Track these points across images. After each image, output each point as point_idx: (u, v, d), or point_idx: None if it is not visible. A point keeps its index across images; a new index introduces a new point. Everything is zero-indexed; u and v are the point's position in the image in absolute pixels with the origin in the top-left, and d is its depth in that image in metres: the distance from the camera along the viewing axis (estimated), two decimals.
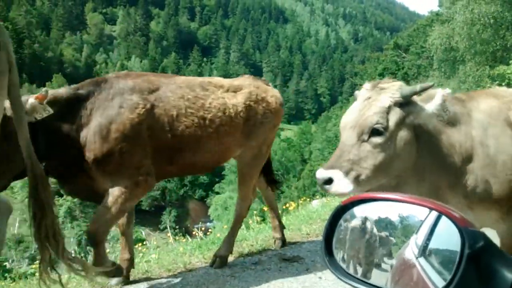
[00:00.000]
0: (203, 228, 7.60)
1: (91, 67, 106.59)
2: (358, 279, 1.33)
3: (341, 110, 54.64)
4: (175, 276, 4.90)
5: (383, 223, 1.36)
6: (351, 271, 1.36)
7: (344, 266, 1.37)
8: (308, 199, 9.67)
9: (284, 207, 9.03)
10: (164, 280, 4.78)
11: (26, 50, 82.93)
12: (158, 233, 38.31)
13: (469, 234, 1.10)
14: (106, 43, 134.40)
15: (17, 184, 46.28)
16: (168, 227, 28.44)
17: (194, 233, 7.92)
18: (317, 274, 5.01)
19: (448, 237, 1.22)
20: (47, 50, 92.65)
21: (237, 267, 5.20)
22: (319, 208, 8.35)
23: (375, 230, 1.37)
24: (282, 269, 5.17)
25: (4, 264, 7.29)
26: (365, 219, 1.39)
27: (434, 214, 1.27)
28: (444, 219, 1.21)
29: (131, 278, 4.78)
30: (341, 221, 1.39)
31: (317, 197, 10.65)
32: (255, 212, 8.67)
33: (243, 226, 7.17)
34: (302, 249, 5.83)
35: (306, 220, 7.19)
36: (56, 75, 79.92)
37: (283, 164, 52.30)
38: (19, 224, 38.18)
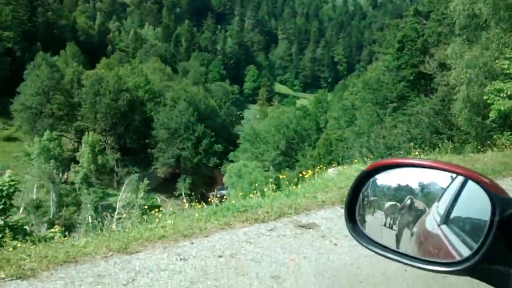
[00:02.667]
0: (218, 195, 7.63)
1: (105, 35, 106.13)
2: (381, 245, 1.29)
3: (358, 78, 53.84)
4: (191, 241, 4.94)
5: (405, 190, 1.31)
6: (374, 237, 1.32)
7: (367, 233, 1.33)
8: (324, 168, 9.62)
9: (299, 175, 9.00)
10: (180, 245, 4.82)
11: (39, 18, 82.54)
12: (173, 200, 38.90)
13: (500, 201, 1.04)
14: (119, 11, 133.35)
15: (33, 151, 47.19)
16: (183, 194, 28.83)
17: (209, 200, 7.96)
18: (333, 241, 5.01)
19: (475, 204, 1.17)
20: (60, 18, 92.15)
21: (253, 233, 5.22)
22: (335, 177, 8.31)
23: (397, 197, 1.33)
24: (298, 236, 5.17)
25: (25, 227, 7.44)
26: (387, 186, 1.34)
27: (460, 179, 1.22)
28: (471, 184, 1.16)
29: (147, 244, 4.83)
30: (364, 187, 1.34)
31: (333, 165, 10.59)
32: (270, 180, 8.65)
33: (258, 193, 7.19)
34: (318, 217, 5.82)
35: (321, 188, 7.16)
36: (69, 43, 79.80)
37: (298, 133, 52.14)
38: (36, 189, 39.03)
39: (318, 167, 9.45)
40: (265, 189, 7.38)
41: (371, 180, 1.33)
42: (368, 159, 10.19)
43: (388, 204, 1.34)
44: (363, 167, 7.37)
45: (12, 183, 7.88)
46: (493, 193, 1.07)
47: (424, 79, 33.90)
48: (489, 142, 14.71)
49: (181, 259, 4.49)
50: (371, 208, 1.36)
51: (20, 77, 60.81)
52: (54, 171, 46.14)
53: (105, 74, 61.16)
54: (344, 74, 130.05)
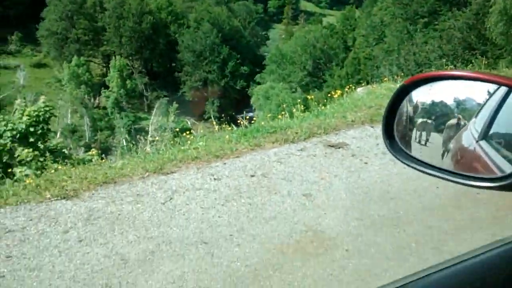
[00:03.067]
0: (247, 117, 7.67)
1: None
2: (420, 161, 1.28)
3: None
4: (223, 162, 5.07)
5: (442, 105, 1.27)
6: (412, 153, 1.31)
7: (405, 148, 1.32)
8: (353, 87, 9.45)
9: (328, 95, 8.90)
10: (213, 165, 4.96)
11: None
12: (202, 122, 39.42)
13: None
14: None
15: (64, 76, 47.85)
16: (212, 117, 29.11)
17: (238, 121, 8.03)
18: (363, 160, 5.05)
19: None
20: None
21: (283, 153, 5.30)
22: (364, 96, 8.18)
23: (434, 112, 1.29)
24: (328, 155, 5.23)
25: (63, 151, 7.75)
26: (425, 101, 1.30)
27: (502, 91, 1.17)
28: None
29: (181, 165, 4.99)
30: (403, 102, 1.30)
31: (362, 84, 10.39)
32: (299, 100, 8.60)
33: (286, 114, 7.20)
34: (348, 136, 5.83)
35: (351, 107, 7.10)
36: None
37: (325, 52, 50.76)
38: (70, 115, 40.13)
39: (347, 87, 9.29)
40: (294, 110, 7.37)
41: (409, 95, 1.30)
42: (399, 77, 9.93)
43: (425, 119, 1.32)
44: (393, 86, 7.21)
45: (47, 108, 8.09)
46: None
47: None
48: None
49: (214, 178, 4.64)
50: (408, 123, 1.34)
51: (43, 3, 60.15)
52: (86, 96, 47.02)
53: None
54: None
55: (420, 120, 1.33)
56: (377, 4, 51.89)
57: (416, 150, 1.33)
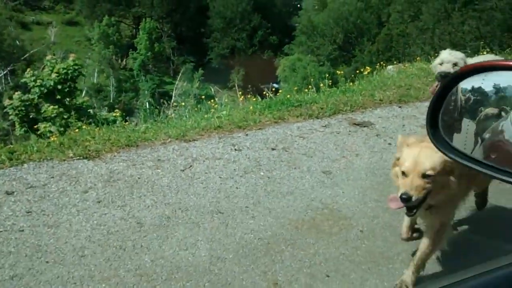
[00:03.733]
0: (273, 89, 7.58)
1: None
2: (462, 153, 1.23)
3: None
4: (245, 133, 5.04)
5: (492, 95, 1.20)
6: (456, 144, 1.25)
7: (448, 139, 1.26)
8: (383, 65, 9.22)
9: (357, 71, 8.70)
10: (235, 136, 4.94)
11: None
12: (226, 91, 39.33)
13: None
14: None
15: (94, 36, 48.11)
16: (236, 86, 28.92)
17: (264, 93, 7.95)
18: (387, 140, 4.95)
19: None
20: None
21: (306, 128, 5.24)
22: (395, 75, 7.98)
23: (480, 103, 1.23)
24: (351, 133, 5.15)
25: (89, 110, 7.84)
26: (474, 91, 1.23)
27: None
28: None
29: (203, 133, 4.98)
30: (452, 92, 1.24)
31: (394, 62, 10.12)
32: (326, 75, 8.45)
33: (313, 88, 7.08)
34: (374, 115, 5.71)
35: (380, 86, 6.94)
36: None
37: (358, 26, 49.53)
38: (97, 74, 40.54)
39: (377, 64, 9.06)
40: (321, 85, 7.25)
41: (460, 84, 1.23)
42: (432, 57, 9.61)
43: (470, 110, 1.26)
44: (425, 66, 6.95)
45: (76, 67, 8.15)
46: None
47: None
48: None
49: (235, 149, 4.63)
50: (454, 113, 1.29)
51: None
52: (113, 56, 47.32)
53: None
54: None
55: (466, 111, 1.28)
56: None
57: (460, 142, 1.29)
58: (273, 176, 4.12)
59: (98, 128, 5.24)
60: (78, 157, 4.27)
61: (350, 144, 4.86)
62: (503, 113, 1.21)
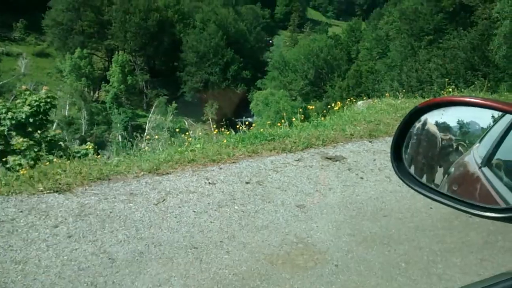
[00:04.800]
0: (246, 123, 7.67)
1: None
2: (425, 185, 1.27)
3: (395, 7, 51.25)
4: (219, 166, 5.05)
5: (452, 129, 1.27)
6: (418, 177, 1.29)
7: (413, 172, 1.31)
8: (354, 100, 9.47)
9: (328, 106, 8.90)
10: (208, 169, 4.94)
11: None
12: (200, 124, 39.37)
13: None
14: None
15: (65, 68, 47.80)
16: (210, 119, 29.03)
17: (237, 126, 8.02)
18: (359, 175, 5.04)
19: None
20: None
21: (280, 162, 5.29)
22: (365, 110, 8.19)
23: (443, 136, 1.29)
24: (324, 167, 5.22)
25: (59, 143, 7.71)
26: (436, 125, 1.29)
27: (507, 119, 1.16)
28: None
29: (177, 166, 4.97)
30: (414, 125, 1.29)
31: (363, 98, 10.40)
32: (299, 109, 8.61)
33: (286, 123, 7.19)
34: (345, 149, 5.82)
35: (350, 121, 7.10)
36: None
37: (328, 62, 50.90)
38: (68, 107, 40.06)
39: (348, 100, 9.30)
40: (293, 119, 7.37)
41: (421, 118, 1.29)
42: (400, 94, 9.95)
43: (431, 143, 1.31)
44: (394, 102, 7.19)
45: (49, 100, 8.06)
46: None
47: (464, 11, 32.19)
48: None
49: (209, 183, 4.62)
50: (417, 147, 1.33)
51: None
52: (85, 89, 46.95)
53: None
54: (380, 1, 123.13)
55: (428, 144, 1.32)
56: (383, 18, 52.20)
57: (421, 174, 1.33)
58: (247, 210, 4.12)
59: (69, 161, 5.15)
60: (48, 191, 4.17)
61: (323, 178, 4.93)
62: (463, 148, 1.27)
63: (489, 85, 13.27)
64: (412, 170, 1.32)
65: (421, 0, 36.61)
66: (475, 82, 14.33)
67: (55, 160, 5.47)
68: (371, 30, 56.91)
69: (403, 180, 1.29)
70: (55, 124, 27.44)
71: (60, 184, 4.32)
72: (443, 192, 1.24)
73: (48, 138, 7.57)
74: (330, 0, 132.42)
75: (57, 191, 4.20)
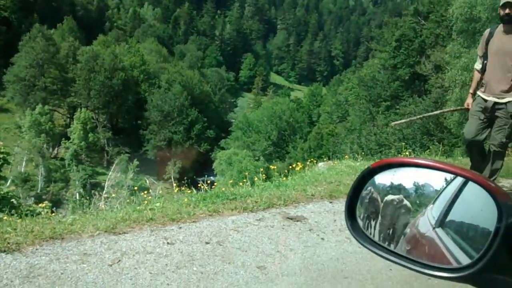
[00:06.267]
0: (208, 182, 7.61)
1: (104, 11, 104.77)
2: (379, 245, 1.29)
3: (354, 74, 53.85)
4: (179, 226, 4.94)
5: (402, 190, 1.30)
6: (372, 236, 1.31)
7: (366, 231, 1.33)
8: (315, 161, 9.63)
9: (290, 167, 9.01)
10: (168, 229, 4.81)
11: None
12: (162, 182, 38.79)
13: (506, 207, 1.02)
14: None
15: (24, 123, 46.76)
16: (172, 178, 28.72)
17: (199, 185, 7.95)
18: (320, 235, 5.03)
19: (475, 209, 1.15)
20: None
21: (241, 222, 5.23)
22: (325, 171, 8.32)
23: (396, 196, 1.32)
24: (285, 228, 5.19)
25: (12, 200, 7.39)
26: (388, 185, 1.33)
27: (458, 181, 1.21)
28: (472, 187, 1.13)
29: (135, 226, 4.82)
30: (367, 185, 1.33)
31: (324, 159, 10.61)
32: (261, 169, 8.67)
33: (248, 182, 7.19)
34: (306, 210, 5.84)
35: (311, 181, 7.17)
36: (67, 17, 78.50)
37: (290, 124, 52.19)
38: (25, 163, 38.76)
39: (309, 161, 9.46)
40: (255, 179, 7.38)
41: (373, 178, 1.33)
42: (359, 156, 10.22)
43: (384, 203, 1.34)
44: (354, 164, 7.36)
45: (1, 155, 7.81)
46: (500, 199, 1.04)
47: (418, 80, 34.13)
48: None
49: (168, 243, 4.49)
50: (370, 206, 1.36)
51: (15, 48, 59.87)
52: (44, 145, 45.86)
53: (101, 51, 60.46)
54: (340, 69, 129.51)
55: (381, 204, 1.35)
56: (343, 84, 54.64)
57: (376, 233, 1.34)
58: (206, 272, 4.00)
59: (21, 219, 4.92)
60: None
61: (284, 238, 4.89)
62: (416, 209, 1.31)
63: (443, 149, 13.86)
64: (367, 230, 1.33)
65: (378, 68, 38.64)
66: (431, 147, 14.91)
67: (5, 218, 5.21)
68: (331, 95, 59.30)
69: (358, 240, 1.31)
70: (9, 181, 26.40)
71: (9, 243, 4.08)
72: (398, 253, 1.26)
73: (2, 195, 7.26)
74: (293, 65, 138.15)
75: (4, 251, 3.96)
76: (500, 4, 5.22)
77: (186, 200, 5.80)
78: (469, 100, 6.06)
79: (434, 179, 1.24)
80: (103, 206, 6.64)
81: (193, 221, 5.11)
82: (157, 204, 5.64)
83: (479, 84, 5.85)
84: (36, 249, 4.07)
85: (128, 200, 7.18)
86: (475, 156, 5.93)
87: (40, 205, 7.48)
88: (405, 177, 1.30)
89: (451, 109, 8.04)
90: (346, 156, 9.93)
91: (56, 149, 51.40)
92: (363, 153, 13.25)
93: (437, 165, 1.21)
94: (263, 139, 51.22)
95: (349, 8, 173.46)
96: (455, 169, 1.18)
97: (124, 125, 61.31)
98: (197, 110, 57.74)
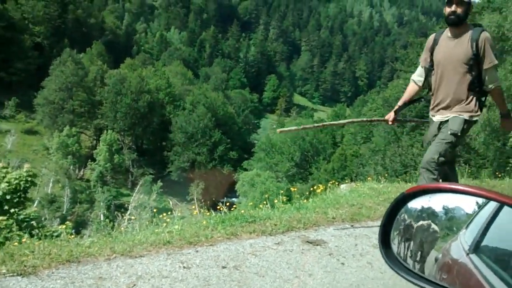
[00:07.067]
0: (228, 204, 7.54)
1: (131, 35, 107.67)
2: (414, 273, 1.27)
3: (378, 94, 53.49)
4: (195, 249, 4.87)
5: (436, 215, 1.29)
6: (408, 264, 1.29)
7: (401, 259, 1.31)
8: (337, 183, 9.48)
9: (311, 189, 8.89)
10: (184, 252, 4.75)
11: (69, 15, 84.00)
12: (185, 204, 38.94)
13: None
14: (147, 13, 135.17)
15: (52, 145, 47.91)
16: (195, 199, 28.79)
17: (218, 207, 7.90)
18: (340, 260, 4.89)
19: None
20: (89, 17, 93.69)
21: (259, 245, 5.13)
22: (347, 193, 8.16)
23: (427, 222, 1.31)
24: (305, 252, 5.06)
25: (32, 223, 7.47)
26: (422, 211, 1.31)
27: (493, 205, 1.18)
28: (509, 212, 1.10)
29: (152, 249, 4.78)
30: (401, 211, 1.33)
31: (346, 181, 10.44)
32: (281, 191, 8.56)
33: (267, 204, 7.10)
34: (327, 233, 5.70)
35: (333, 204, 7.03)
36: (96, 42, 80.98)
37: (314, 145, 51.94)
38: (52, 184, 39.54)
39: (331, 182, 9.32)
40: (275, 201, 7.29)
41: (408, 204, 1.32)
42: (383, 178, 10.02)
43: (416, 229, 1.32)
44: (376, 186, 7.20)
45: (29, 178, 7.95)
46: None
47: None
48: (507, 168, 14.39)
49: (184, 267, 4.42)
50: (403, 232, 1.35)
51: (46, 72, 61.95)
52: (71, 167, 46.81)
53: (128, 74, 62.00)
54: (364, 89, 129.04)
55: (414, 230, 1.33)
56: (367, 105, 54.24)
57: (411, 261, 1.32)
58: None
59: (40, 241, 4.94)
60: (11, 274, 3.93)
61: (303, 263, 4.76)
62: (450, 234, 1.26)
63: (470, 171, 13.49)
64: (400, 256, 1.32)
65: (403, 88, 38.33)
66: (457, 168, 14.58)
67: (24, 239, 5.26)
68: (355, 116, 58.83)
69: (391, 267, 1.29)
70: (36, 202, 26.92)
71: (25, 266, 4.09)
72: (432, 280, 1.23)
73: (22, 217, 7.35)
74: (316, 87, 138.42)
75: (21, 274, 3.96)
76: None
77: (204, 222, 5.74)
78: (391, 113, 5.63)
79: (466, 203, 1.23)
80: (123, 228, 6.65)
81: (211, 245, 5.03)
82: (176, 227, 5.59)
83: (412, 98, 5.23)
84: (52, 273, 4.06)
85: (149, 222, 7.17)
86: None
87: (60, 226, 7.54)
88: (439, 202, 1.28)
89: (370, 119, 7.39)
90: (369, 178, 9.75)
91: (82, 170, 52.42)
92: (387, 174, 13.02)
93: (474, 190, 1.18)
94: (286, 160, 51.05)
95: (373, 29, 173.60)
96: (493, 195, 1.14)
97: (148, 146, 62.22)
98: (221, 132, 58.21)
